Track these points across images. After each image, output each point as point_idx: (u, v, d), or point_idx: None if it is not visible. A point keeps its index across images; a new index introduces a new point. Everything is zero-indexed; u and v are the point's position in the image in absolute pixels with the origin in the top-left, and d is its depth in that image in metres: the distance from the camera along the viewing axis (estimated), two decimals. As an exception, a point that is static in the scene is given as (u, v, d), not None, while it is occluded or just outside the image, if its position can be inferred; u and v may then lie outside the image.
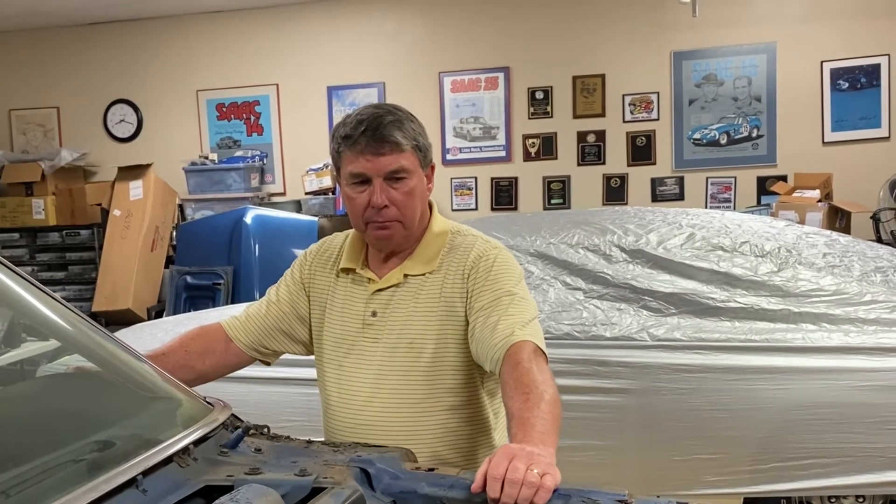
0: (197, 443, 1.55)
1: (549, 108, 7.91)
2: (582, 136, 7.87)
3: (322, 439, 1.92)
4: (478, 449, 2.02)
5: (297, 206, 7.95)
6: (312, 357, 2.16)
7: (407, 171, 1.94)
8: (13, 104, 9.07)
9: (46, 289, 1.79)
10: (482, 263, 1.98)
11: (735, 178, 7.58)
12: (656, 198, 7.74)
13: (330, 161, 8.22)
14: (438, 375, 1.97)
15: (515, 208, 8.00)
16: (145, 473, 1.39)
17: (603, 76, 7.79)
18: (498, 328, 1.85)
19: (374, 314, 2.01)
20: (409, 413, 1.97)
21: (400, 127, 1.92)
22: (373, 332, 2.01)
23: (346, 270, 2.08)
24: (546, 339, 1.94)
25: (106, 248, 7.86)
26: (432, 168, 2.05)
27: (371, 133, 1.90)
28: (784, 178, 7.31)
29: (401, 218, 1.96)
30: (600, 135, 7.84)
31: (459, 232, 2.08)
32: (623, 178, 7.83)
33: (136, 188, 7.87)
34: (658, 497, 1.48)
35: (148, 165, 7.93)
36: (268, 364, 2.23)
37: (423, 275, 2.00)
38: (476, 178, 8.11)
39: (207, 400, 1.77)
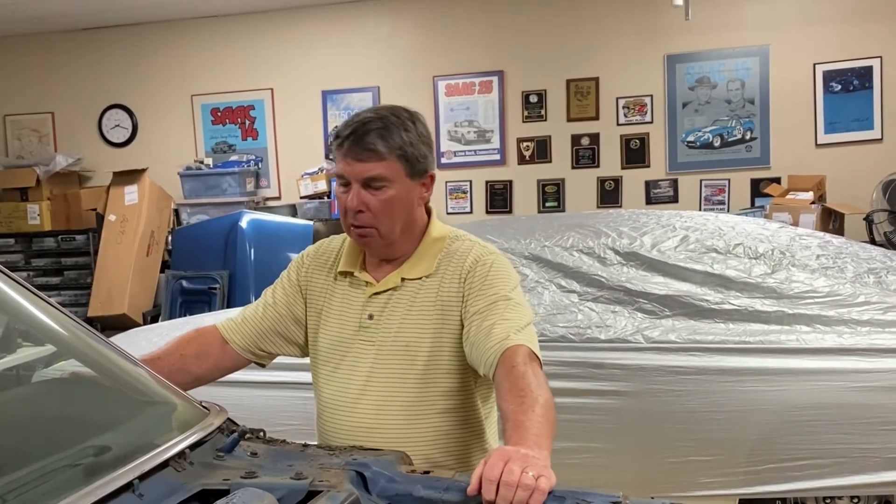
0: (193, 447, 1.56)
1: (543, 112, 7.93)
2: (576, 139, 7.89)
3: (317, 443, 1.93)
4: (471, 452, 2.03)
5: (293, 211, 7.96)
6: (308, 360, 2.17)
7: (386, 180, 1.93)
8: (8, 109, 9.06)
9: (42, 294, 1.79)
10: (478, 268, 1.98)
11: (729, 180, 7.60)
12: (650, 200, 7.76)
13: (324, 165, 8.25)
14: (433, 379, 1.98)
15: (510, 211, 8.01)
16: (141, 478, 1.40)
17: (597, 79, 7.80)
18: (493, 332, 1.86)
19: (370, 317, 2.02)
20: (402, 416, 1.97)
21: (384, 135, 1.92)
22: (369, 336, 2.01)
23: (344, 273, 2.08)
24: (541, 341, 1.95)
25: (101, 253, 7.85)
26: (431, 177, 2.03)
27: (355, 139, 1.92)
28: (778, 181, 7.33)
29: (375, 224, 1.95)
30: (594, 138, 7.85)
31: (457, 237, 2.08)
32: (617, 181, 7.84)
33: (131, 193, 7.86)
34: (652, 498, 1.49)
35: (143, 170, 7.92)
36: (262, 366, 2.23)
37: (420, 279, 2.01)
38: (471, 182, 8.12)
39: (203, 404, 1.77)
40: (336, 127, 2.03)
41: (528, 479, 1.45)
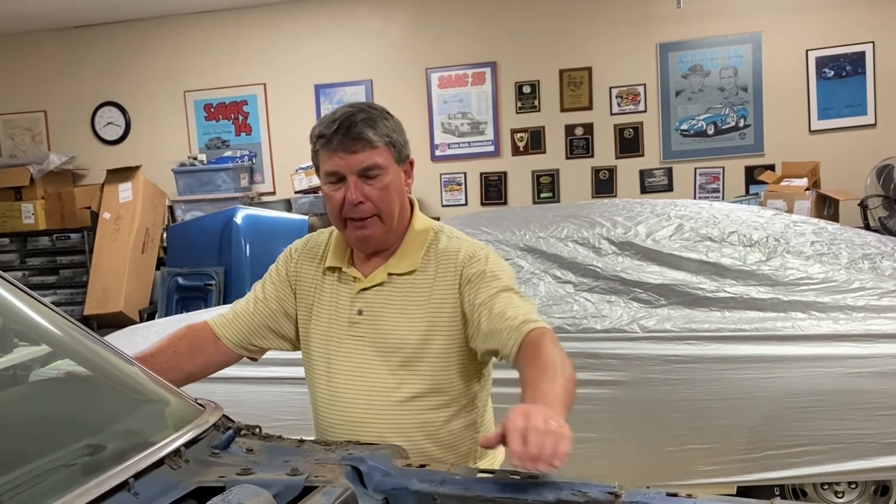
0: (188, 444, 1.56)
1: (536, 102, 7.92)
2: (570, 129, 7.89)
3: (313, 438, 1.93)
4: (465, 445, 2.03)
5: (287, 206, 7.95)
6: (300, 355, 2.17)
7: (380, 168, 1.95)
8: (0, 109, 9.03)
9: (36, 294, 1.79)
10: (475, 262, 1.99)
11: (723, 168, 7.61)
12: (645, 189, 7.76)
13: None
14: (424, 374, 1.98)
15: (505, 203, 8.00)
16: (137, 476, 1.40)
17: (589, 69, 7.80)
18: (508, 314, 1.85)
19: (359, 313, 2.02)
20: (396, 411, 1.97)
21: (372, 125, 1.94)
22: (359, 331, 2.01)
23: (332, 269, 2.08)
24: (537, 332, 1.95)
25: (96, 251, 7.84)
26: (411, 163, 2.06)
27: (344, 132, 1.93)
28: (772, 168, 7.33)
29: (377, 212, 1.96)
30: (588, 128, 7.85)
31: (442, 231, 2.08)
32: (611, 171, 7.84)
33: (125, 190, 7.85)
34: (648, 488, 1.49)
35: (137, 167, 7.91)
36: (255, 360, 2.23)
37: (408, 274, 2.01)
38: (465, 174, 8.11)
39: (198, 401, 1.77)
40: (313, 130, 2.00)
41: (553, 426, 1.45)
